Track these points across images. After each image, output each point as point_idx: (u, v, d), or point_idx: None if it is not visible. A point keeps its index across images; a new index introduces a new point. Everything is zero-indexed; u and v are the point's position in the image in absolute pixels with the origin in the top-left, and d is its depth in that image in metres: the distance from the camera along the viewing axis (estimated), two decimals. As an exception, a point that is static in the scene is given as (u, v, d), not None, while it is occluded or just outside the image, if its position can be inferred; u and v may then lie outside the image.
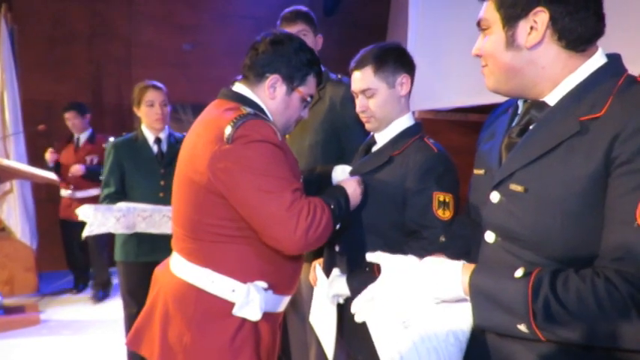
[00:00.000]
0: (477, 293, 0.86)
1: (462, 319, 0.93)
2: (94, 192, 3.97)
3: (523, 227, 0.89)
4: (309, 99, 1.40)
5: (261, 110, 1.33)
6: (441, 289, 0.91)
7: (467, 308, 0.91)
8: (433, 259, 0.96)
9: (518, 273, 0.83)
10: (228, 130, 1.18)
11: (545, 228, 0.85)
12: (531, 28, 0.87)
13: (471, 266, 0.91)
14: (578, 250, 0.83)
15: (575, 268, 0.81)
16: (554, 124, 0.87)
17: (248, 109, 1.26)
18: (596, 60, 0.88)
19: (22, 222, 3.84)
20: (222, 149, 1.19)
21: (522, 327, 0.81)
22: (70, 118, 4.06)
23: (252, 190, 1.17)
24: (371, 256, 1.03)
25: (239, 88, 1.37)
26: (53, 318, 3.79)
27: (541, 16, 0.86)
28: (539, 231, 0.86)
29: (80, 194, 4.01)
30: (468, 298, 0.88)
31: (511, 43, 0.89)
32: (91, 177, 3.85)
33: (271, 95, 1.34)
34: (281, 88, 1.35)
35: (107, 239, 4.12)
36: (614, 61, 0.89)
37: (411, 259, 0.99)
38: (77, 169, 3.87)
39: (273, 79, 1.33)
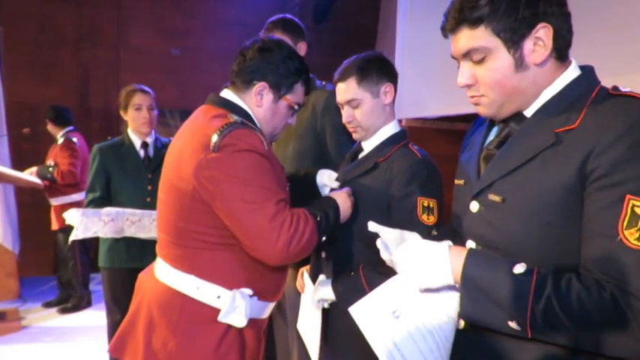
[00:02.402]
0: (470, 284, 0.85)
1: (451, 297, 0.93)
2: (68, 199, 3.90)
3: (501, 236, 0.90)
4: (296, 107, 1.41)
5: (249, 117, 1.33)
6: (427, 280, 0.90)
7: (454, 291, 0.91)
8: (415, 244, 0.93)
9: (519, 269, 0.82)
10: (214, 139, 1.18)
11: (521, 237, 0.87)
12: (534, 44, 0.86)
13: (461, 251, 0.89)
14: (554, 259, 0.84)
15: (572, 273, 0.82)
16: (531, 136, 0.88)
17: (235, 117, 1.26)
18: (571, 72, 0.90)
19: (4, 226, 3.76)
20: (208, 157, 1.18)
21: (513, 324, 0.82)
22: (47, 124, 4.05)
23: (236, 199, 1.17)
24: (372, 226, 1.02)
25: (226, 94, 1.37)
26: (35, 325, 3.73)
27: (545, 31, 0.85)
28: (516, 240, 0.87)
29: (55, 201, 3.94)
30: (458, 286, 0.88)
31: (520, 64, 0.87)
32: (41, 176, 3.77)
33: (258, 102, 1.34)
34: (268, 96, 1.35)
35: (90, 247, 4.07)
36: (588, 72, 0.90)
37: (409, 236, 1.00)
38: (31, 171, 3.80)
39: (260, 86, 1.33)
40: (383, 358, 0.93)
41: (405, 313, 0.94)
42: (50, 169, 3.78)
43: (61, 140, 3.98)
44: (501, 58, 0.87)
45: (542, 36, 0.85)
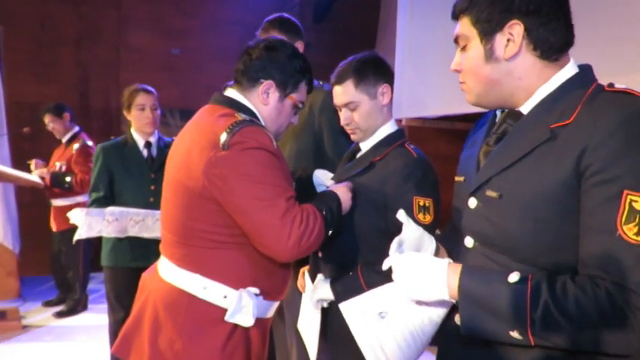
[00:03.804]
0: (467, 298, 0.86)
1: (436, 306, 0.96)
2: (72, 200, 3.85)
3: (497, 232, 0.91)
4: (300, 105, 1.42)
5: (254, 116, 1.33)
6: (421, 293, 0.92)
7: (443, 304, 0.94)
8: (418, 257, 0.95)
9: (513, 278, 0.82)
10: (224, 137, 1.18)
11: (517, 233, 0.87)
12: (508, 40, 0.89)
13: (457, 267, 0.90)
14: (550, 255, 0.85)
15: (559, 273, 0.82)
16: (526, 132, 0.90)
17: (243, 116, 1.26)
18: (568, 70, 0.91)
19: (4, 226, 3.76)
20: (217, 155, 1.19)
21: (515, 334, 0.82)
22: (48, 122, 3.93)
23: (247, 197, 1.18)
24: (401, 215, 1.05)
25: (231, 93, 1.37)
26: (35, 324, 3.72)
27: (516, 28, 0.88)
28: (512, 236, 0.88)
29: (56, 202, 3.90)
30: (455, 301, 0.89)
31: (490, 56, 0.91)
32: (56, 184, 3.67)
33: (264, 101, 1.35)
34: (274, 94, 1.35)
35: (90, 246, 4.04)
36: (585, 71, 0.92)
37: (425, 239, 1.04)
38: (42, 173, 3.69)
39: (266, 84, 1.34)
40: (366, 352, 1.01)
41: (390, 315, 0.99)
42: (67, 178, 3.65)
43: (76, 145, 3.84)
44: (475, 47, 0.93)
45: (513, 32, 0.89)
